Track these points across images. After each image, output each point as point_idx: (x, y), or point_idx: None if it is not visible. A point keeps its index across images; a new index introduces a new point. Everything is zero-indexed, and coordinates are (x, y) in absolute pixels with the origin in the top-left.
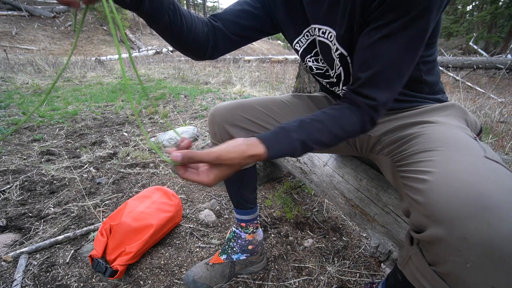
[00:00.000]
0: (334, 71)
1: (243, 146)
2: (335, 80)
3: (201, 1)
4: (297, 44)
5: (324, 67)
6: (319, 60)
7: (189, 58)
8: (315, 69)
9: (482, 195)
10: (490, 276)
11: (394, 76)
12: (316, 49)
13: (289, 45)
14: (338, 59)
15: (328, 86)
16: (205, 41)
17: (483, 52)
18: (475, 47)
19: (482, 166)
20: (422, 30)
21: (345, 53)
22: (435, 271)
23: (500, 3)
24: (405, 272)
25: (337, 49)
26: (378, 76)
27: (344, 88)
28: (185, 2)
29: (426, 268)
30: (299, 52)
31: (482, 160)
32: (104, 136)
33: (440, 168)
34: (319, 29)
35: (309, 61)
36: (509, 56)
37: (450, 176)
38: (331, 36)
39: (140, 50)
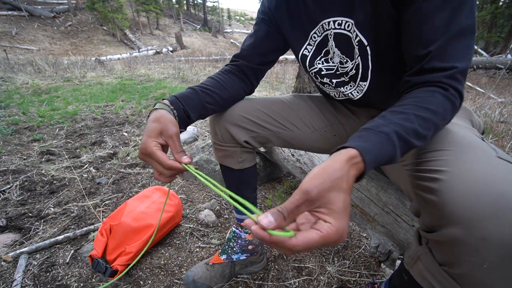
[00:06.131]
0: (354, 61)
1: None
2: (354, 72)
3: (201, 1)
4: (305, 50)
5: (335, 66)
6: (329, 59)
7: (189, 58)
8: (324, 70)
9: (502, 195)
10: (509, 277)
11: (463, 37)
12: (326, 48)
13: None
14: (357, 47)
15: (335, 87)
16: (243, 90)
17: (483, 52)
18: (475, 47)
19: (497, 166)
20: None
21: (364, 41)
22: (447, 271)
23: (500, 3)
24: (412, 272)
25: (356, 36)
26: (447, 45)
27: (361, 84)
28: (185, 2)
29: (437, 268)
30: (308, 58)
31: (496, 161)
32: (104, 136)
33: (454, 167)
34: (334, 21)
35: (318, 63)
36: (509, 56)
37: (466, 175)
38: (348, 26)
39: (140, 50)
